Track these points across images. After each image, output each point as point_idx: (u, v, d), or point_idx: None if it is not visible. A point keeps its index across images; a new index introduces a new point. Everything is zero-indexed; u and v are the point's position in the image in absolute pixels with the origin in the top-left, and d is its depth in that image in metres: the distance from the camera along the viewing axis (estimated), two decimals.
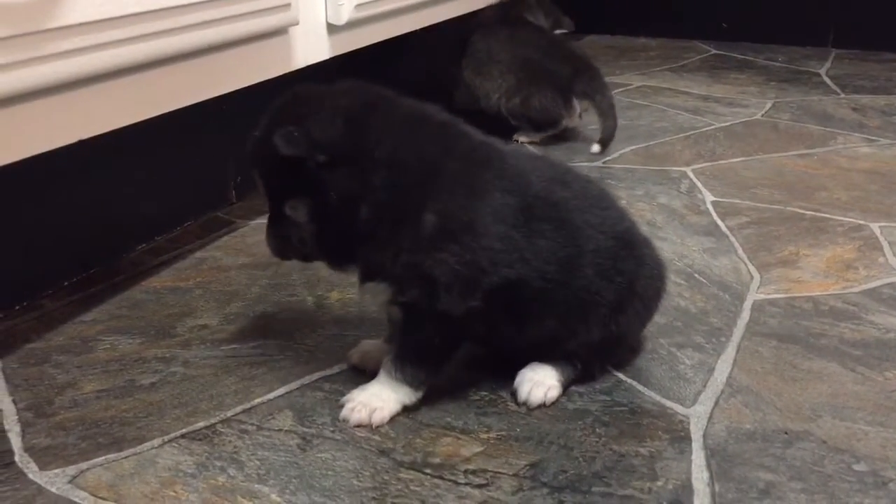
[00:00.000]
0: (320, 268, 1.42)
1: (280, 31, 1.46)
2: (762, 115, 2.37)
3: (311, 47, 1.55)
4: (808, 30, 3.31)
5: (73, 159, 1.37)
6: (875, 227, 1.59)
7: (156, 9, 1.17)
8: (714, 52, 3.27)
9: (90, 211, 1.43)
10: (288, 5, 1.43)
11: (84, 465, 0.95)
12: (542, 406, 1.05)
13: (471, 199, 0.96)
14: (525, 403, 1.05)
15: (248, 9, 1.34)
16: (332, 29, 1.59)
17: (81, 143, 1.20)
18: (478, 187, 0.98)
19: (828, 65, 3.01)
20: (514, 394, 1.07)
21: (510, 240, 0.97)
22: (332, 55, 1.61)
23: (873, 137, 2.15)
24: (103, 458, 0.96)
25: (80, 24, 1.07)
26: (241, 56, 1.39)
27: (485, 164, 1.00)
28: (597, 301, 1.03)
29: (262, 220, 1.64)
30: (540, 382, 1.06)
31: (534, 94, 2.10)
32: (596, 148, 2.03)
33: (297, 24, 1.47)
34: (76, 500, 0.90)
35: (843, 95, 2.59)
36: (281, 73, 1.48)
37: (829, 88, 2.68)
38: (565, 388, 1.08)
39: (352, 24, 1.62)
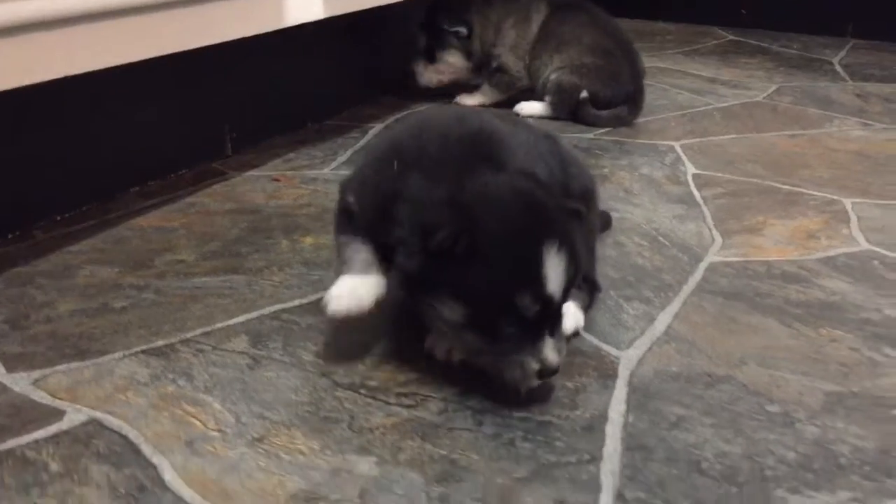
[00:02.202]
0: (299, 214, 1.50)
1: None
2: (763, 98, 2.39)
3: (304, 5, 1.61)
4: (827, 19, 3.30)
5: (76, 100, 1.46)
6: (848, 202, 1.61)
7: None
8: (731, 38, 3.28)
9: (88, 151, 1.51)
10: None
11: (47, 371, 1.03)
12: (577, 333, 1.11)
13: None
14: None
15: None
16: None
17: (83, 84, 1.29)
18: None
19: (842, 53, 3.00)
20: None
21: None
22: (325, 16, 1.67)
23: (870, 122, 2.16)
24: (66, 365, 1.04)
25: None
26: (234, 7, 1.46)
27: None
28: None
29: (256, 172, 1.73)
30: (566, 313, 1.07)
31: (590, 88, 2.11)
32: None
33: None
34: (35, 398, 0.97)
35: (850, 82, 2.59)
36: (273, 28, 1.55)
37: (837, 75, 2.68)
38: (586, 311, 1.15)
39: None
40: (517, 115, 2.18)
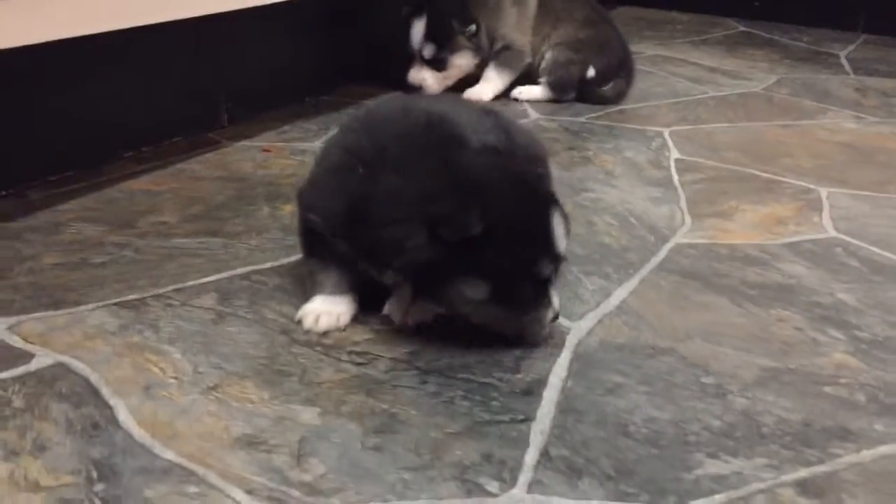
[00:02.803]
0: (284, 184, 1.54)
1: None
2: (762, 89, 2.40)
3: None
4: (840, 13, 3.29)
5: (74, 65, 1.52)
6: (824, 191, 1.64)
7: None
8: (742, 29, 3.28)
9: (83, 116, 1.57)
10: None
11: (23, 318, 1.09)
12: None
13: None
14: None
15: None
16: None
17: (82, 49, 1.34)
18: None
19: (851, 48, 3.00)
20: None
21: None
22: None
23: (863, 115, 2.18)
24: (41, 313, 1.10)
25: None
26: None
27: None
28: None
29: (248, 143, 1.78)
30: None
31: (586, 62, 2.17)
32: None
33: None
34: (9, 342, 1.04)
35: (852, 76, 2.60)
36: (258, 4, 1.60)
37: (841, 69, 2.69)
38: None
39: None
40: (516, 100, 2.21)
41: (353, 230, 1.04)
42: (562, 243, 1.03)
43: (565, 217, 1.04)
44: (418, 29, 2.16)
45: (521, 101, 2.22)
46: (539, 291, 1.03)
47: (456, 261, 0.98)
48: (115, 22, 1.38)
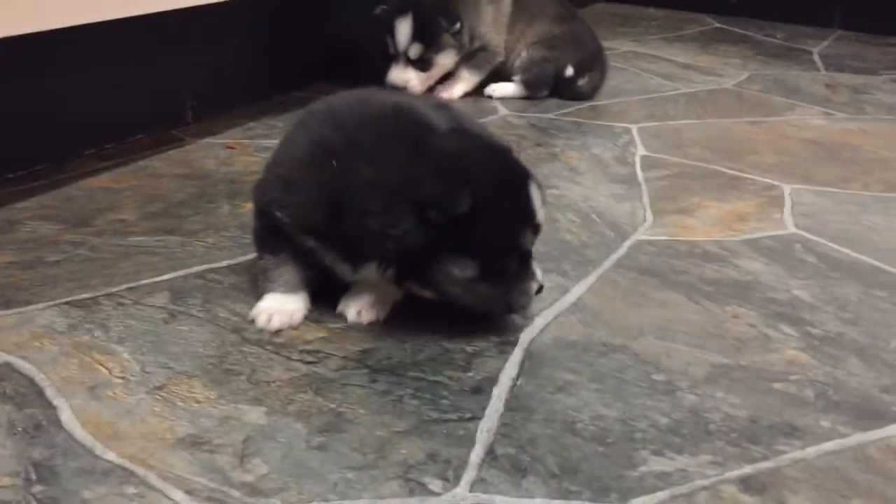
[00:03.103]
0: (246, 181, 1.54)
1: None
2: (733, 85, 2.41)
3: None
4: (815, 9, 3.30)
5: (37, 62, 1.50)
6: (787, 188, 1.64)
7: None
8: (717, 25, 3.29)
9: (45, 112, 1.56)
10: None
11: None
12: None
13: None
14: None
15: None
16: None
17: (46, 45, 1.33)
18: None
19: (825, 44, 3.01)
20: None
21: None
22: None
23: (832, 112, 2.18)
24: None
25: None
26: None
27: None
28: None
29: (212, 140, 1.77)
30: None
31: (561, 59, 2.18)
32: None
33: None
34: None
35: (823, 72, 2.61)
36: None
37: (813, 65, 2.70)
38: None
39: None
40: (489, 97, 2.20)
41: (328, 224, 1.04)
42: (541, 213, 1.05)
43: (540, 187, 1.06)
44: (404, 29, 2.10)
45: (494, 98, 2.20)
46: (523, 264, 1.05)
47: (443, 242, 0.99)
48: (79, 17, 1.37)
